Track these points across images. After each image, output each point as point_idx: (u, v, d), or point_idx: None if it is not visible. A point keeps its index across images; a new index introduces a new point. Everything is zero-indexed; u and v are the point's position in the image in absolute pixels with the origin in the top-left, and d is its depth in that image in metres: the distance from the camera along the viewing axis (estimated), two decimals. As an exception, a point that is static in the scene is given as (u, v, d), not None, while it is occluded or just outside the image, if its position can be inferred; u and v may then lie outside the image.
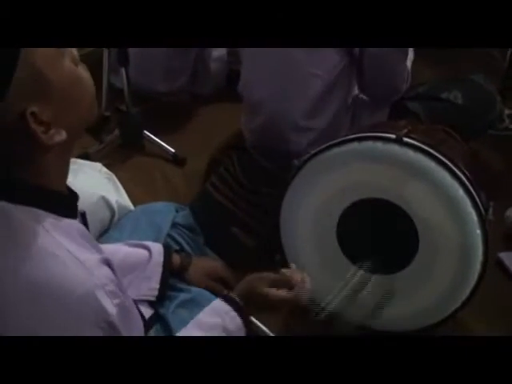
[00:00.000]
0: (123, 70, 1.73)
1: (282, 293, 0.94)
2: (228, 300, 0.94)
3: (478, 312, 1.34)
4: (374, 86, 1.46)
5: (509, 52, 1.97)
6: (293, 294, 0.95)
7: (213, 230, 1.49)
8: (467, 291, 1.15)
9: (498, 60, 2.08)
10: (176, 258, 1.14)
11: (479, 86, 1.67)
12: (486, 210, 1.14)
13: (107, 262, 0.74)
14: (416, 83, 1.63)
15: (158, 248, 1.12)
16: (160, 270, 1.08)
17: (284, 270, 0.98)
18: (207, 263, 1.20)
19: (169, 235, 1.24)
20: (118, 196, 1.37)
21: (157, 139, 1.86)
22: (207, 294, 1.11)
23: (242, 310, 0.92)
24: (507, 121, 2.00)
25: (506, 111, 1.99)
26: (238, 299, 0.94)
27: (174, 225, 1.28)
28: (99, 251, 0.76)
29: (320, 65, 1.37)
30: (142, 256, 1.10)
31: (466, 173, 1.15)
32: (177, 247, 1.21)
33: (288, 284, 0.96)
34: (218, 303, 0.94)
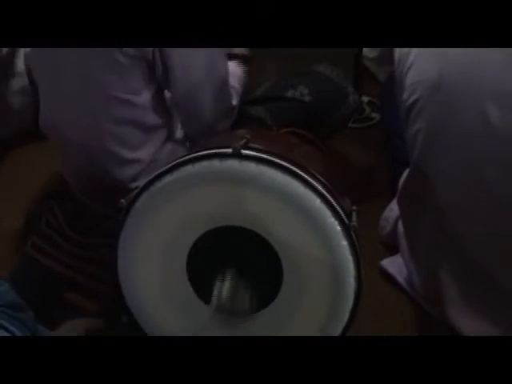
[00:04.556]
0: None
1: None
2: None
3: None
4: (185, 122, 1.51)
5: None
6: None
7: (44, 301, 1.44)
8: (346, 313, 1.18)
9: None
10: None
11: (326, 78, 1.74)
12: (350, 216, 1.18)
13: None
14: (254, 84, 1.68)
15: None
16: None
17: None
18: None
19: (-14, 321, 1.18)
20: None
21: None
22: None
23: None
24: (368, 109, 2.12)
25: (365, 99, 2.11)
26: None
27: (-9, 307, 1.22)
28: None
29: (125, 88, 1.37)
30: None
31: (322, 179, 1.18)
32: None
33: None
34: None
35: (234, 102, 1.50)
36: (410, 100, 1.26)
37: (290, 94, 1.67)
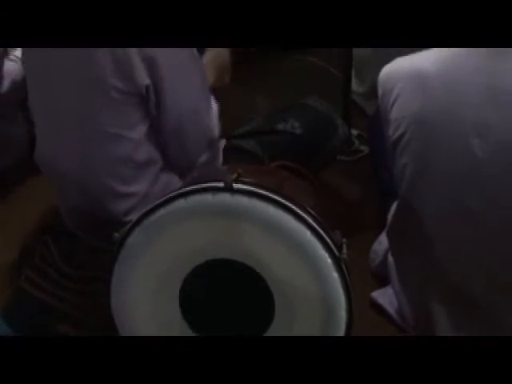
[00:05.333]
0: None
1: None
2: None
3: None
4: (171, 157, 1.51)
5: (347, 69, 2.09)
6: None
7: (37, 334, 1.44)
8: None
9: (338, 77, 2.21)
10: None
11: (316, 111, 1.76)
12: (340, 249, 1.18)
13: None
14: (246, 118, 1.69)
15: None
16: None
17: None
18: None
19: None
20: None
21: None
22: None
23: None
24: (357, 142, 2.13)
25: (354, 132, 2.13)
26: None
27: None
28: None
29: (120, 124, 1.38)
30: None
31: (313, 212, 1.19)
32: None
33: None
34: None
35: (216, 134, 1.51)
36: (395, 135, 1.28)
37: (281, 126, 1.69)
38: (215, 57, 1.61)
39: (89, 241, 1.55)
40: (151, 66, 1.32)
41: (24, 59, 1.51)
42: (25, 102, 1.61)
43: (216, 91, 1.59)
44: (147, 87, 1.34)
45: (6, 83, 1.90)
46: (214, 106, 1.54)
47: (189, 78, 1.38)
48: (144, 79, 1.33)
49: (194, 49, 1.39)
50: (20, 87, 1.84)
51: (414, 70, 1.26)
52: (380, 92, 1.32)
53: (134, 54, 1.30)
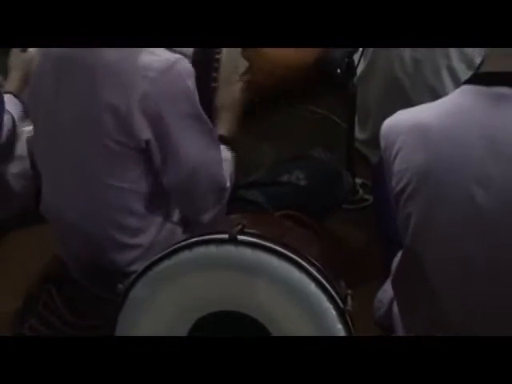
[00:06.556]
0: None
1: None
2: None
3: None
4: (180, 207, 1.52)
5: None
6: None
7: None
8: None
9: (341, 126, 2.23)
10: None
11: (320, 162, 1.78)
12: (345, 300, 1.18)
13: None
14: (250, 168, 1.71)
15: None
16: None
17: None
18: None
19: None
20: None
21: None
22: None
23: None
24: (361, 191, 2.14)
25: (358, 181, 2.14)
26: None
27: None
28: None
29: (121, 176, 1.39)
30: None
31: (317, 264, 1.20)
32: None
33: None
34: None
35: (227, 184, 1.51)
36: (399, 187, 1.29)
37: (285, 178, 1.70)
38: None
39: (93, 290, 1.56)
40: (154, 121, 1.34)
41: (30, 113, 1.53)
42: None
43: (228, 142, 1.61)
44: (147, 141, 1.36)
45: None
46: (227, 155, 1.56)
47: (195, 130, 1.39)
48: (144, 133, 1.34)
49: (198, 102, 1.40)
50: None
51: (416, 123, 1.27)
52: (382, 144, 1.33)
53: (136, 110, 1.32)
